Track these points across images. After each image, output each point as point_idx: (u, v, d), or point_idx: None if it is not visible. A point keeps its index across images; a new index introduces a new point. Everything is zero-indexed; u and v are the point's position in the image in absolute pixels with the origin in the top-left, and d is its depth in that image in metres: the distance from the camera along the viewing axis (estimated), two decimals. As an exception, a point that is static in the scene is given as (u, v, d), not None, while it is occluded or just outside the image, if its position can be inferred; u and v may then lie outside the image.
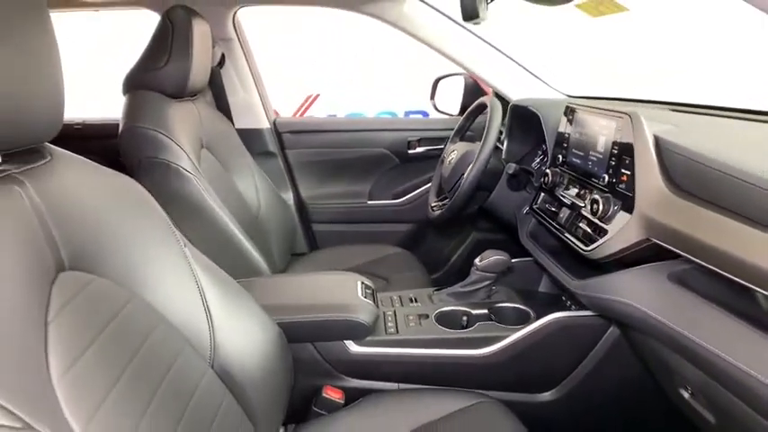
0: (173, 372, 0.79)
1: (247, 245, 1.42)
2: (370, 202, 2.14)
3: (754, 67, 2.39)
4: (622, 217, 0.96)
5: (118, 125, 1.40)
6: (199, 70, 1.49)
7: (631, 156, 0.96)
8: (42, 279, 0.65)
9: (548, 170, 1.28)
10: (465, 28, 1.73)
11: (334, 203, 2.14)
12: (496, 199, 1.55)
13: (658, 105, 1.35)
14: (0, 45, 0.61)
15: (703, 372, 0.81)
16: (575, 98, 1.67)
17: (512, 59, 1.77)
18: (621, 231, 0.95)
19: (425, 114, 3.81)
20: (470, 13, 0.96)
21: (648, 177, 0.91)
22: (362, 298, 1.19)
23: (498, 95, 1.76)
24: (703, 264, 0.78)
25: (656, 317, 0.85)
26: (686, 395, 0.92)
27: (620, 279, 0.95)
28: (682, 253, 0.82)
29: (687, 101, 1.29)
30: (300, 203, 2.14)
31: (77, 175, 0.80)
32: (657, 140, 0.92)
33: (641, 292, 0.90)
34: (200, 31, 1.48)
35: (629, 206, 0.95)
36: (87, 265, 0.73)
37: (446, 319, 1.21)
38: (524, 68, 1.77)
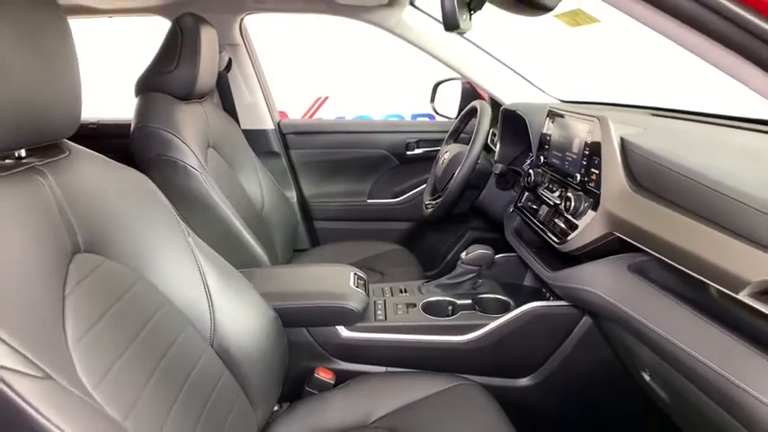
0: (175, 347, 0.88)
1: (250, 239, 1.51)
2: (369, 201, 2.22)
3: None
4: (591, 213, 1.04)
5: (130, 125, 1.51)
6: (206, 74, 1.58)
7: (600, 156, 1.04)
8: (60, 258, 0.74)
9: (530, 170, 1.36)
10: (462, 35, 1.81)
11: (336, 202, 2.22)
12: (486, 198, 1.62)
13: (638, 110, 1.42)
14: (24, 52, 0.70)
15: (657, 355, 0.88)
16: (564, 103, 1.75)
17: (505, 65, 1.85)
18: (589, 226, 1.02)
19: (432, 117, 3.88)
20: (452, 25, 1.03)
21: (613, 176, 0.98)
22: (354, 287, 1.27)
23: (494, 100, 1.84)
24: (660, 257, 0.85)
25: (617, 304, 0.93)
26: (647, 377, 0.99)
27: (586, 270, 1.03)
28: (641, 246, 0.90)
29: (666, 106, 1.36)
30: (303, 201, 2.23)
31: (92, 169, 0.89)
32: (623, 142, 1.00)
33: (604, 282, 0.97)
34: (208, 37, 1.58)
35: (596, 203, 1.02)
36: (100, 248, 0.83)
37: (432, 308, 1.29)
38: (518, 74, 1.85)
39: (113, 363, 0.74)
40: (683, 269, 0.79)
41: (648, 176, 0.93)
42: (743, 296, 0.66)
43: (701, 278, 0.75)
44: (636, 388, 1.08)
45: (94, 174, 0.89)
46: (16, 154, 0.76)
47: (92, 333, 0.73)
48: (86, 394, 0.65)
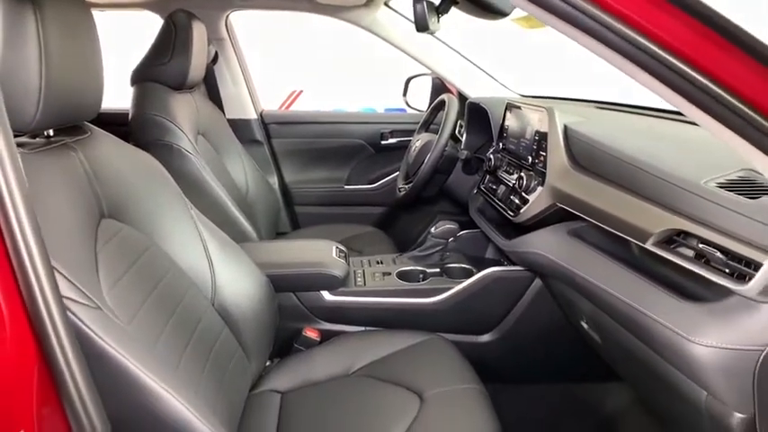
0: (183, 304, 1.01)
1: (239, 216, 1.65)
2: (347, 187, 2.39)
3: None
4: (539, 189, 1.23)
5: (127, 114, 1.63)
6: (197, 66, 1.72)
7: (546, 141, 1.23)
8: (92, 221, 0.88)
9: (491, 155, 1.54)
10: (432, 35, 1.98)
11: (315, 187, 2.38)
12: (453, 182, 1.81)
13: (586, 103, 1.63)
14: (59, 44, 0.80)
15: (592, 303, 1.07)
16: (523, 97, 1.94)
17: (472, 62, 2.03)
18: (537, 199, 1.21)
19: (404, 111, 4.03)
20: (422, 26, 1.20)
21: (557, 157, 1.17)
22: (336, 257, 1.44)
23: (461, 94, 2.03)
24: (594, 222, 1.04)
25: (559, 262, 1.12)
26: (585, 325, 1.18)
27: (534, 236, 1.22)
28: (578, 214, 1.09)
29: (608, 100, 1.57)
30: (284, 187, 2.37)
31: (111, 148, 1.03)
32: (566, 129, 1.19)
33: (549, 245, 1.16)
34: (198, 32, 1.71)
35: (543, 180, 1.21)
36: (119, 215, 0.96)
37: (405, 276, 1.46)
38: (483, 71, 2.04)
39: (137, 310, 0.87)
40: (609, 229, 0.98)
41: (585, 157, 1.12)
42: (649, 245, 0.86)
43: (621, 235, 0.95)
44: (577, 337, 1.28)
45: (112, 152, 1.02)
46: (45, 133, 0.88)
47: (119, 285, 0.86)
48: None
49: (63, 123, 0.89)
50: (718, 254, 0.74)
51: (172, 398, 0.75)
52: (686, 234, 0.81)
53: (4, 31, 0.72)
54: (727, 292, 0.73)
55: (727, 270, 0.73)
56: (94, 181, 0.92)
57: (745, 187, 0.77)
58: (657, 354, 0.85)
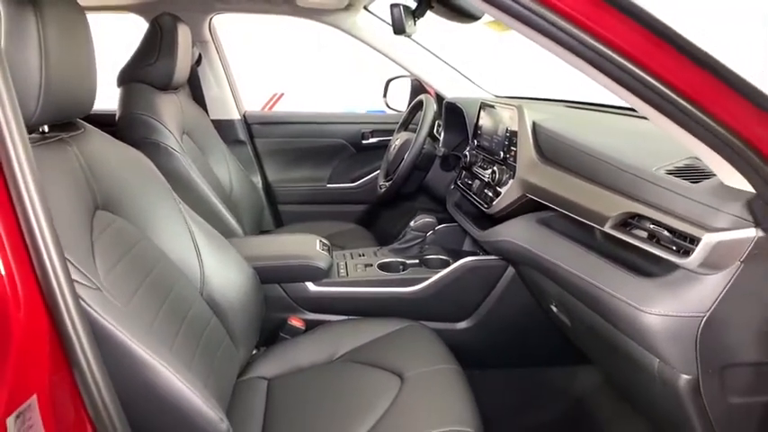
0: (173, 293, 1.06)
1: (225, 213, 1.71)
2: (329, 186, 2.45)
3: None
4: (510, 182, 1.31)
5: (114, 115, 1.67)
6: (182, 67, 1.76)
7: (517, 137, 1.31)
8: (87, 211, 0.92)
9: (467, 152, 1.62)
10: (409, 37, 2.06)
11: (298, 186, 2.44)
12: (432, 178, 1.89)
13: (555, 103, 1.72)
14: (57, 44, 0.84)
15: (560, 286, 1.15)
16: (497, 97, 2.03)
17: (448, 64, 2.11)
18: (508, 191, 1.30)
19: (384, 113, 4.10)
20: (399, 29, 1.27)
21: (526, 151, 1.26)
22: (320, 250, 1.50)
23: (438, 95, 2.11)
24: (560, 210, 1.12)
25: (529, 248, 1.20)
26: (554, 309, 1.26)
27: (506, 226, 1.30)
28: (545, 203, 1.17)
29: (575, 99, 1.66)
30: (268, 186, 2.42)
31: (103, 144, 1.07)
32: (535, 125, 1.27)
33: (519, 233, 1.24)
34: (183, 34, 1.76)
35: (514, 173, 1.30)
36: (112, 208, 1.01)
37: (386, 267, 1.53)
38: (459, 72, 2.12)
39: (132, 297, 0.91)
40: (573, 216, 1.07)
41: (552, 151, 1.21)
42: (607, 228, 0.94)
43: (583, 220, 1.03)
44: (548, 323, 1.36)
45: (105, 148, 1.07)
46: (40, 129, 0.92)
47: (113, 273, 0.90)
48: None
49: (60, 119, 0.93)
50: (666, 233, 0.82)
51: (169, 373, 0.80)
52: (640, 217, 0.89)
53: (8, 32, 0.77)
54: (674, 267, 0.82)
55: (674, 247, 0.82)
56: (89, 174, 0.96)
57: (690, 173, 0.86)
58: (615, 327, 0.93)
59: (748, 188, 0.73)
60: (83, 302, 0.74)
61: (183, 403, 0.81)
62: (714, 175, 0.79)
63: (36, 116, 0.83)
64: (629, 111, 1.41)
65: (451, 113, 1.94)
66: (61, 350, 0.65)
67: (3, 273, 0.59)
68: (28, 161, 0.62)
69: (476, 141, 1.63)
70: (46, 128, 0.94)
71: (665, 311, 0.79)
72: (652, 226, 0.86)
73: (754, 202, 0.73)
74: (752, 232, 0.73)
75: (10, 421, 0.56)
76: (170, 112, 1.71)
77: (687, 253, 0.78)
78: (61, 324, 0.64)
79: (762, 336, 0.77)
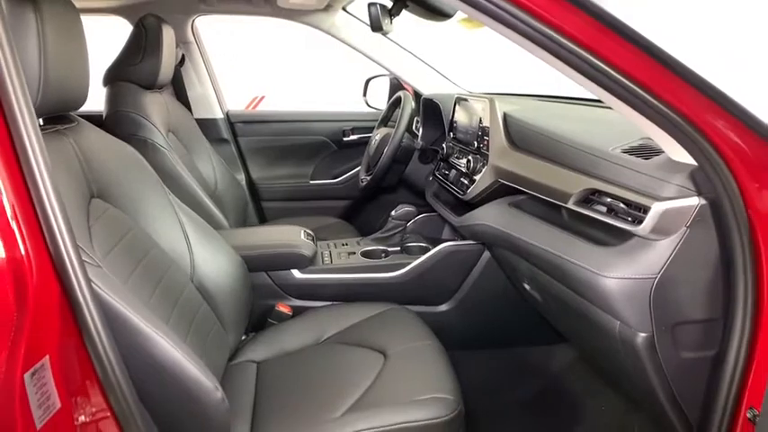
0: (165, 279, 1.10)
1: (212, 206, 1.75)
2: (312, 182, 2.51)
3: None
4: (483, 169, 1.39)
5: (101, 115, 1.71)
6: (166, 66, 1.81)
7: (489, 127, 1.39)
8: (84, 199, 0.97)
9: (443, 144, 1.70)
10: (386, 36, 2.14)
11: (281, 183, 2.49)
12: (411, 171, 1.96)
13: (525, 97, 1.81)
14: (54, 41, 0.90)
15: (529, 262, 1.23)
16: (471, 93, 2.12)
17: (424, 62, 2.20)
18: (482, 178, 1.38)
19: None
20: (377, 27, 1.35)
21: (497, 139, 1.34)
22: (304, 239, 1.56)
23: (416, 92, 2.19)
24: (530, 193, 1.21)
25: (502, 229, 1.28)
26: (527, 287, 1.34)
27: (480, 210, 1.38)
28: (516, 186, 1.25)
29: (543, 93, 1.76)
30: (251, 183, 2.47)
31: (96, 136, 1.12)
32: (506, 116, 1.36)
33: (493, 216, 1.32)
34: (167, 34, 1.80)
35: (487, 161, 1.38)
36: (106, 197, 1.06)
37: (369, 254, 1.60)
38: (435, 70, 2.21)
39: (127, 279, 0.96)
40: (540, 196, 1.15)
41: (521, 138, 1.29)
42: (570, 204, 1.02)
43: (549, 199, 1.11)
44: (523, 303, 1.44)
45: (98, 139, 1.12)
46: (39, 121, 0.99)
47: (110, 255, 0.95)
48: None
49: (57, 112, 0.98)
50: (622, 205, 0.91)
51: (167, 344, 0.85)
52: (599, 192, 0.97)
53: (11, 30, 0.82)
54: (630, 235, 0.90)
55: (629, 218, 0.90)
56: (84, 164, 1.01)
57: (643, 151, 0.94)
58: (581, 295, 1.01)
59: (691, 161, 0.81)
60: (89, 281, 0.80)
61: (181, 372, 0.86)
62: (663, 152, 0.88)
63: (36, 108, 0.88)
64: (594, 102, 1.50)
65: (429, 109, 2.02)
66: (71, 318, 0.70)
67: (20, 244, 0.65)
68: (39, 145, 0.68)
69: (452, 134, 1.72)
70: (41, 121, 0.99)
71: (622, 275, 0.88)
72: (610, 200, 0.94)
73: (697, 173, 0.81)
74: (695, 200, 0.82)
75: (27, 377, 0.61)
76: (156, 110, 1.75)
77: (640, 222, 0.86)
78: (71, 290, 0.69)
79: (708, 294, 0.86)
